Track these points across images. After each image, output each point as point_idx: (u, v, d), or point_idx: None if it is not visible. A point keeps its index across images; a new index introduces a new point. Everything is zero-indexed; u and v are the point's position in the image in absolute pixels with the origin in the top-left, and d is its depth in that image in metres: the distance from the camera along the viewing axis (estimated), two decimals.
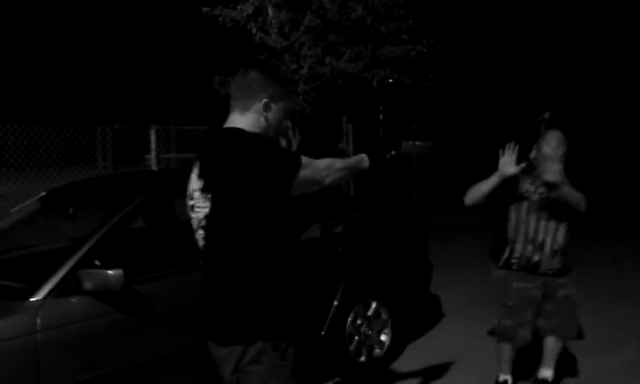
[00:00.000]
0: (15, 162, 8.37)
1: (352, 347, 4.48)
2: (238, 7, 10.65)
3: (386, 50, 11.23)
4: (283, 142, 10.64)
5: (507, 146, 3.68)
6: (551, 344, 4.11)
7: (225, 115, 2.48)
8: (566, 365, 4.55)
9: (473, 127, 15.67)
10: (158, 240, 4.51)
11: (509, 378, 4.20)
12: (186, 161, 10.56)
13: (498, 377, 4.24)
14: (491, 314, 5.94)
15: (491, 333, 4.21)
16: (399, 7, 11.16)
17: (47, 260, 3.57)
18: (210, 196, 2.31)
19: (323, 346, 4.29)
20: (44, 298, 3.09)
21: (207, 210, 2.32)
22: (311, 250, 4.34)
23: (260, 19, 10.79)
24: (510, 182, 3.73)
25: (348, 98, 12.39)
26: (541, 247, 3.85)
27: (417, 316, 5.42)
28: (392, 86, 12.33)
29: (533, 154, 3.90)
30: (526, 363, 4.42)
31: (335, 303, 4.36)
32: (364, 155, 2.62)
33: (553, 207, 3.81)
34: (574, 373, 4.56)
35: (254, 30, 10.75)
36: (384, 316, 4.72)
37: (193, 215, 2.41)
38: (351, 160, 2.60)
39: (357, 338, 4.53)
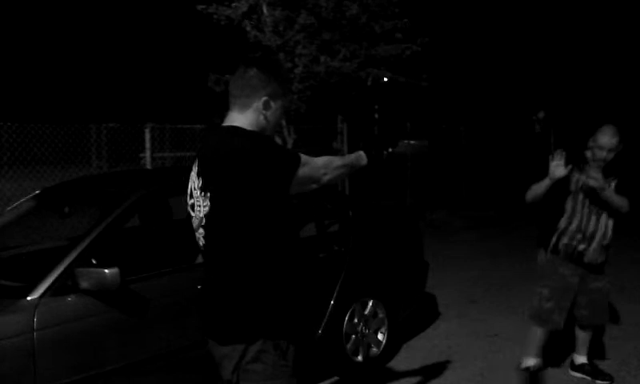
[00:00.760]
0: (9, 160, 8.32)
1: (349, 346, 4.49)
2: (233, 5, 10.60)
3: (381, 49, 11.22)
4: (278, 141, 10.62)
5: (556, 151, 4.10)
6: (583, 332, 4.44)
7: (219, 113, 2.47)
8: (600, 349, 4.78)
9: (467, 126, 15.69)
10: (154, 239, 4.50)
11: (535, 362, 4.32)
12: (180, 159, 10.53)
13: (522, 362, 4.34)
14: (485, 312, 6.00)
15: (531, 316, 4.37)
16: (394, 6, 11.14)
17: (43, 259, 3.56)
18: (209, 194, 2.30)
19: (320, 344, 4.29)
20: (40, 297, 3.09)
21: (207, 208, 2.31)
22: (307, 248, 4.34)
23: (254, 17, 10.75)
24: (561, 180, 4.09)
25: (343, 96, 12.37)
26: (590, 239, 4.14)
27: (413, 315, 5.43)
28: (387, 85, 12.33)
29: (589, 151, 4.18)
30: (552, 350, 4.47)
31: (332, 302, 4.36)
32: (362, 152, 2.61)
33: (604, 204, 4.11)
34: (608, 356, 4.71)
35: (248, 28, 10.71)
36: (381, 315, 4.72)
37: (193, 214, 2.40)
38: (349, 157, 2.59)
39: (354, 336, 4.53)
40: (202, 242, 2.40)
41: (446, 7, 22.39)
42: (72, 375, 3.11)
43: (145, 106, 23.27)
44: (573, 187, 4.18)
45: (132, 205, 3.69)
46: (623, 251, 8.16)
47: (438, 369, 4.61)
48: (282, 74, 2.49)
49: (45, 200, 4.36)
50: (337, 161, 2.51)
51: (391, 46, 11.28)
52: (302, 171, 2.30)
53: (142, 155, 9.16)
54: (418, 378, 4.51)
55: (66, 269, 3.20)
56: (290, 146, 10.81)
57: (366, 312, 4.63)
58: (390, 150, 2.74)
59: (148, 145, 8.97)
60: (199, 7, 10.76)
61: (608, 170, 4.12)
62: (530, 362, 4.31)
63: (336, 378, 4.50)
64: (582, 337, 4.46)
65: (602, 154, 4.05)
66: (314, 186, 2.42)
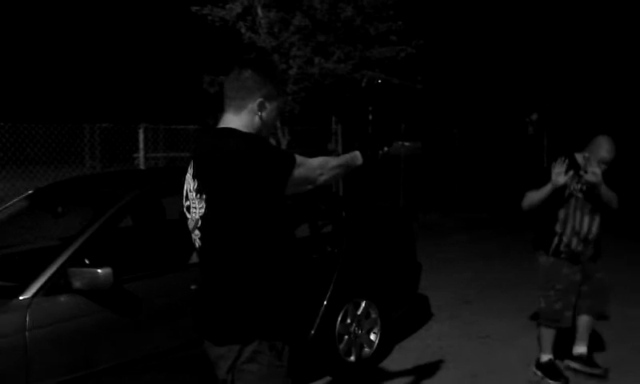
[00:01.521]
0: (2, 161, 8.29)
1: (342, 346, 4.50)
2: (227, 6, 10.61)
3: (376, 51, 11.25)
4: (272, 142, 10.61)
5: (559, 159, 4.31)
6: (585, 322, 4.59)
7: (213, 114, 2.48)
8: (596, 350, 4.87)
9: (460, 128, 15.73)
10: (147, 239, 4.50)
11: (552, 356, 4.52)
12: (173, 160, 10.52)
13: (540, 358, 4.55)
14: (478, 313, 6.02)
15: (535, 317, 4.58)
16: (389, 8, 11.18)
17: (36, 258, 3.56)
18: (204, 196, 2.31)
19: (313, 345, 4.30)
20: (33, 297, 3.09)
21: (203, 210, 2.32)
22: (300, 249, 4.34)
23: (249, 19, 10.76)
24: (558, 188, 4.31)
25: (337, 98, 12.39)
26: (585, 239, 4.37)
27: (405, 316, 5.45)
28: (381, 86, 12.35)
29: (581, 156, 4.39)
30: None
31: (325, 302, 4.37)
32: (357, 152, 2.61)
33: (592, 202, 4.35)
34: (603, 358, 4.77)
35: (243, 30, 10.72)
36: (373, 315, 4.74)
37: (189, 216, 2.41)
38: (345, 157, 2.59)
39: (346, 337, 4.54)
40: (197, 243, 2.40)
41: (440, 10, 22.44)
42: (64, 375, 3.11)
43: (138, 106, 23.23)
44: (567, 193, 4.37)
45: (125, 205, 3.69)
46: (621, 254, 8.22)
47: (431, 369, 4.63)
48: (277, 76, 2.50)
49: (38, 200, 4.36)
50: (332, 161, 2.52)
51: (386, 48, 11.31)
52: (298, 172, 2.31)
53: (135, 155, 9.16)
54: (410, 379, 4.52)
55: (58, 268, 3.20)
56: (284, 147, 10.82)
57: (359, 312, 4.64)
58: (386, 149, 2.75)
59: (141, 145, 8.97)
60: (193, 8, 10.75)
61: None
62: (545, 357, 4.52)
63: (328, 378, 4.50)
64: (583, 327, 4.60)
65: (603, 167, 4.27)
66: (310, 186, 2.42)
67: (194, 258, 3.69)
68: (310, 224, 4.84)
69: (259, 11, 10.64)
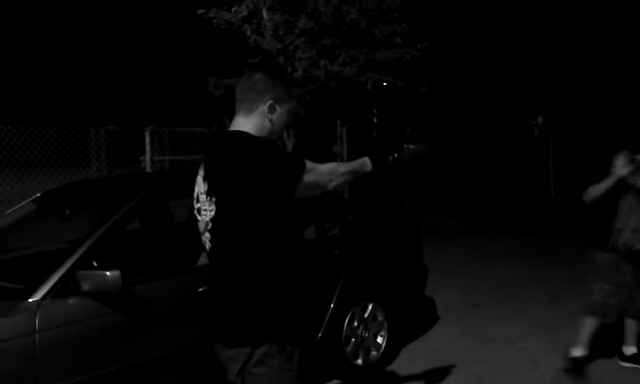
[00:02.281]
0: (9, 163, 8.32)
1: (349, 349, 4.49)
2: (233, 9, 10.64)
3: (381, 54, 11.26)
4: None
5: (621, 152, 4.33)
6: (633, 324, 4.66)
7: (218, 117, 2.49)
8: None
9: (466, 131, 15.71)
10: (155, 241, 4.52)
11: (583, 352, 4.55)
12: (179, 163, 10.54)
13: (571, 352, 4.56)
14: (484, 316, 6.01)
15: (592, 311, 4.54)
16: (393, 11, 11.18)
17: (44, 261, 3.57)
18: (214, 199, 2.32)
19: (320, 348, 4.30)
20: (42, 299, 3.10)
21: (213, 213, 2.33)
22: (308, 252, 4.35)
23: (254, 22, 10.79)
24: (620, 181, 4.34)
25: (342, 101, 12.40)
26: None
27: (412, 319, 5.44)
28: (386, 89, 12.35)
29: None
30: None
31: (332, 305, 4.37)
32: (367, 158, 2.60)
33: None
34: None
35: (248, 33, 10.74)
36: (380, 318, 4.73)
37: (199, 218, 2.42)
38: (354, 163, 2.59)
39: (353, 340, 4.53)
40: (208, 245, 2.41)
41: (445, 12, 22.44)
42: (73, 377, 3.12)
43: (144, 109, 23.28)
44: (635, 183, 4.39)
45: (133, 208, 3.70)
46: None
47: (438, 373, 4.62)
48: (287, 78, 2.51)
49: (46, 203, 4.38)
50: (342, 167, 2.52)
51: (391, 50, 11.31)
52: (307, 178, 2.32)
53: (141, 158, 9.18)
54: (417, 382, 4.52)
55: (67, 271, 3.21)
56: (289, 149, 10.83)
57: (366, 315, 4.64)
58: (396, 155, 2.74)
59: (148, 148, 8.99)
60: (199, 11, 10.79)
61: None
62: (579, 352, 4.54)
63: (336, 381, 4.50)
64: (632, 328, 4.67)
65: None
66: (319, 192, 2.43)
67: (202, 261, 3.71)
68: (317, 227, 4.84)
69: (264, 14, 10.67)
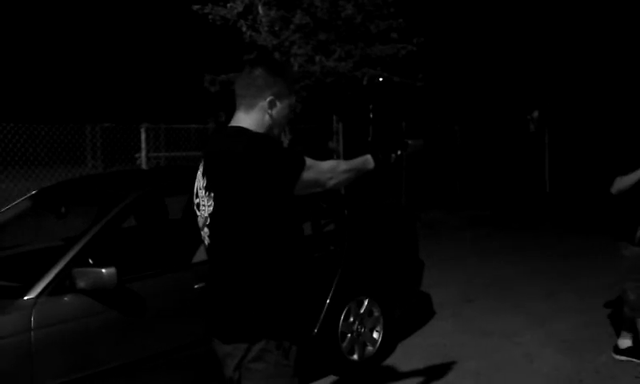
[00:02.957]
0: (4, 161, 8.30)
1: (344, 345, 4.50)
2: (228, 5, 10.63)
3: (377, 49, 11.25)
4: None
5: None
6: (630, 317, 4.62)
7: (214, 113, 2.49)
8: None
9: (462, 126, 15.71)
10: (150, 239, 4.51)
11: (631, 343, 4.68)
12: (175, 159, 10.53)
13: (620, 344, 4.70)
14: (481, 311, 6.02)
15: (636, 311, 4.54)
16: (389, 6, 11.18)
17: (40, 259, 3.57)
18: (213, 194, 2.32)
19: (316, 343, 4.30)
20: (37, 297, 3.10)
21: (211, 208, 2.33)
22: (305, 248, 4.35)
23: (250, 17, 10.78)
24: None
25: (338, 96, 12.39)
26: None
27: (408, 313, 5.45)
28: (382, 84, 12.35)
29: None
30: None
31: (328, 301, 4.37)
32: (369, 156, 2.59)
33: None
34: None
35: (244, 29, 10.73)
36: (376, 313, 4.74)
37: (198, 213, 2.42)
38: (356, 162, 2.57)
39: (349, 335, 4.54)
40: (206, 241, 2.42)
41: (440, 7, 22.42)
42: (69, 374, 3.12)
43: (140, 106, 23.22)
44: None
45: (129, 205, 3.71)
46: None
47: (434, 367, 4.63)
48: (288, 74, 2.52)
49: (41, 200, 4.37)
50: (343, 165, 2.51)
51: (387, 45, 11.31)
52: (307, 175, 2.31)
53: (137, 155, 9.17)
54: (413, 377, 4.53)
55: (63, 268, 3.21)
56: (285, 145, 10.82)
57: (362, 311, 4.65)
58: (399, 152, 2.73)
59: (143, 145, 8.99)
60: (194, 7, 10.77)
61: None
62: (627, 343, 4.68)
63: (331, 376, 4.51)
64: (629, 321, 4.66)
65: None
66: (319, 189, 2.43)
67: (198, 257, 3.71)
68: (312, 222, 4.84)
69: (260, 10, 10.66)
